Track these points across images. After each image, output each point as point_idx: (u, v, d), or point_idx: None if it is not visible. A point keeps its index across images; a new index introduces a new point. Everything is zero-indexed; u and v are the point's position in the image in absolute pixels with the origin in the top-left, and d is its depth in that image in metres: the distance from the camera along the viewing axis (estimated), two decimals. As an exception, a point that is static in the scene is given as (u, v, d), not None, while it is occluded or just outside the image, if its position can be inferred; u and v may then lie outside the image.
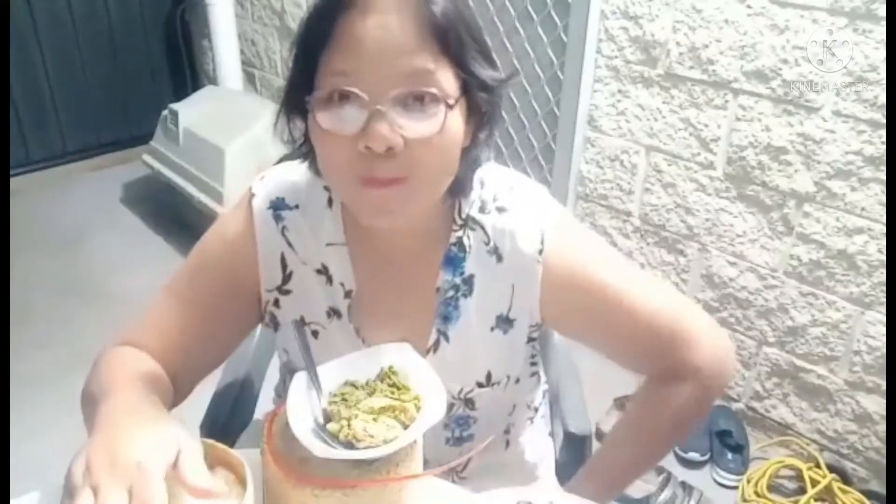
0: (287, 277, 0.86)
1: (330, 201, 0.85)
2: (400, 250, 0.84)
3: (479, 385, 0.87)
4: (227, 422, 1.04)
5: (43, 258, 2.65)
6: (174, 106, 2.72)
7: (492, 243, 0.83)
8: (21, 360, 2.03)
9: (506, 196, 0.84)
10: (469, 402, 0.88)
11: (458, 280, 0.84)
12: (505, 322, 0.86)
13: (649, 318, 0.84)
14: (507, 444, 1.02)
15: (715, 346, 0.86)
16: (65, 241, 2.77)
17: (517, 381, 0.92)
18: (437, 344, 0.86)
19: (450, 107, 0.70)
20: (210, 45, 2.99)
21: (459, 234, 0.83)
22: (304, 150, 0.79)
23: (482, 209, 0.83)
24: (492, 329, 0.86)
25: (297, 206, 0.85)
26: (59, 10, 3.01)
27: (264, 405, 1.11)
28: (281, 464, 0.67)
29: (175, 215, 2.81)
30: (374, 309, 0.86)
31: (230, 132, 2.48)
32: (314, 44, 0.70)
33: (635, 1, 1.77)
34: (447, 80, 0.70)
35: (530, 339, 0.90)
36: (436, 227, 0.83)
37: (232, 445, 0.98)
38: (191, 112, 2.68)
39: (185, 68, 3.38)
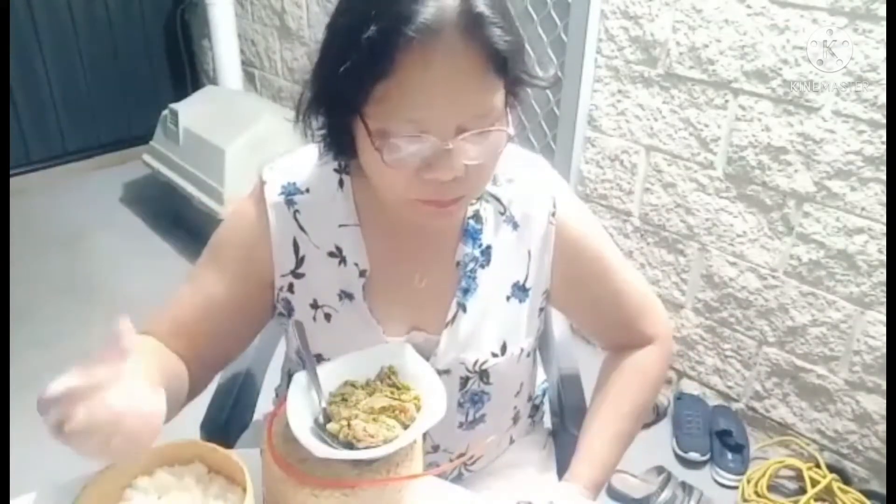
0: (300, 261, 0.86)
1: (341, 183, 0.85)
2: (415, 228, 0.84)
3: (494, 355, 0.88)
4: (227, 422, 1.04)
5: (43, 258, 2.65)
6: (174, 106, 2.72)
7: (507, 212, 0.87)
8: (21, 359, 2.03)
9: (513, 167, 0.88)
10: (484, 375, 0.89)
11: (476, 252, 0.86)
12: (521, 290, 0.88)
13: (628, 288, 0.93)
14: (511, 439, 1.02)
15: (665, 314, 0.99)
16: (65, 241, 2.77)
17: (528, 354, 0.93)
18: (455, 317, 0.86)
19: (510, 137, 0.72)
20: (210, 45, 2.99)
21: (476, 206, 0.86)
22: (328, 144, 0.79)
23: (494, 181, 0.87)
24: (507, 298, 0.88)
25: (307, 190, 0.85)
26: (59, 11, 3.01)
27: (264, 406, 1.11)
28: (281, 464, 0.67)
29: (175, 215, 2.81)
30: (388, 288, 0.87)
31: (230, 132, 2.49)
32: (371, 69, 0.66)
33: (635, 1, 1.77)
34: (500, 99, 0.71)
35: (541, 310, 0.92)
36: None
37: (232, 446, 0.99)
38: (191, 112, 2.68)
39: (185, 68, 3.38)
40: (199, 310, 0.87)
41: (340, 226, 0.85)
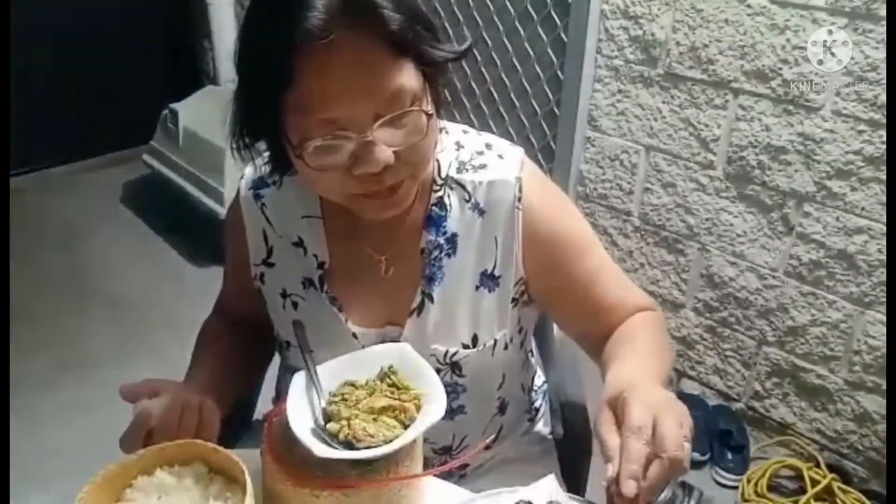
0: (269, 251, 0.91)
1: None
2: (379, 220, 0.85)
3: (465, 347, 0.87)
4: (226, 422, 1.04)
5: (43, 258, 2.65)
6: (174, 106, 2.72)
7: (473, 199, 0.85)
8: (21, 359, 2.03)
9: (483, 154, 0.87)
10: (456, 367, 0.88)
11: (441, 240, 0.86)
12: (490, 279, 0.87)
13: (606, 269, 0.90)
14: (501, 427, 1.01)
15: (644, 294, 0.94)
16: (65, 241, 2.77)
17: (505, 347, 0.91)
18: (421, 306, 0.86)
19: (429, 115, 0.72)
20: (210, 45, 2.99)
21: (440, 193, 0.85)
22: (273, 163, 0.82)
23: (460, 169, 0.86)
24: (477, 288, 0.87)
25: (274, 183, 0.90)
26: (59, 10, 3.01)
27: (264, 405, 1.11)
28: (281, 464, 0.67)
29: (175, 215, 2.81)
30: (351, 278, 0.88)
31: (230, 132, 2.48)
32: (274, 82, 0.68)
33: (635, 1, 1.77)
34: (412, 78, 0.71)
35: (515, 300, 0.89)
36: (417, 191, 0.85)
37: (232, 446, 0.98)
38: (191, 112, 2.68)
39: (185, 68, 3.38)
40: (232, 294, 1.01)
41: (304, 217, 0.88)
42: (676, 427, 0.63)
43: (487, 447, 0.98)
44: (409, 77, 0.70)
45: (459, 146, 0.87)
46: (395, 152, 0.70)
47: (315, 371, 0.75)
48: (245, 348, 0.98)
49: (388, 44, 0.68)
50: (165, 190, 2.76)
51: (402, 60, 0.69)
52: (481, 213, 0.85)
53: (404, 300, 0.87)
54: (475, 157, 0.86)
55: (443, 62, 0.74)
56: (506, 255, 0.86)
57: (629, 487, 0.59)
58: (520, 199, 0.84)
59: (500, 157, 0.87)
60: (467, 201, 0.85)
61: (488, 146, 0.88)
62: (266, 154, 0.82)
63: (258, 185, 0.90)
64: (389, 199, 0.75)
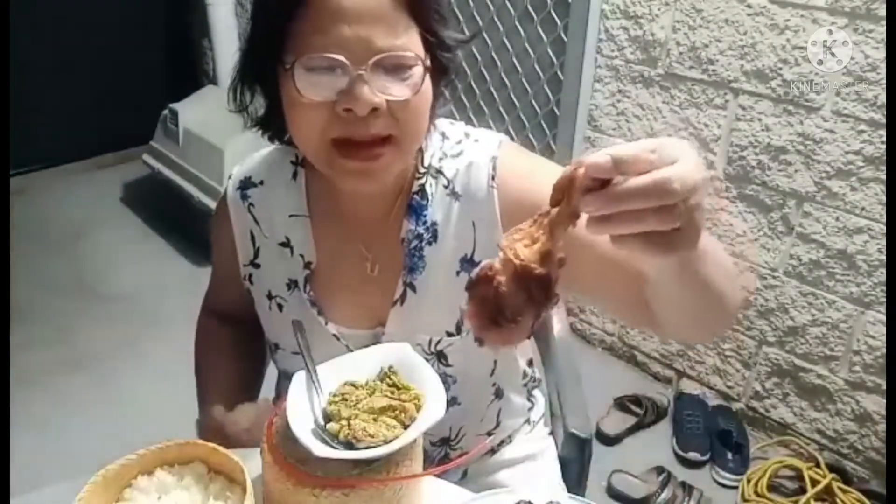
0: (256, 252, 0.91)
1: (295, 175, 0.88)
2: (366, 216, 0.86)
3: (449, 334, 0.87)
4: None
5: (43, 258, 2.65)
6: (174, 106, 2.72)
7: (450, 185, 0.85)
8: (21, 358, 2.03)
9: (461, 143, 0.87)
10: (442, 357, 0.88)
11: (421, 229, 0.85)
12: (470, 264, 0.85)
13: None
14: (499, 414, 1.00)
15: None
16: (65, 240, 2.77)
17: None
18: (403, 296, 0.86)
19: (426, 69, 0.72)
20: (210, 45, 2.99)
21: (422, 181, 0.85)
22: (265, 120, 0.81)
23: (442, 158, 0.86)
24: (458, 273, 0.86)
25: (262, 183, 0.90)
26: (59, 10, 3.01)
27: (264, 405, 1.11)
28: (281, 464, 0.67)
29: (175, 215, 2.81)
30: (333, 279, 0.88)
31: (230, 132, 2.49)
32: (282, 11, 0.70)
33: (635, 1, 1.77)
34: (416, 43, 0.72)
35: None
36: (401, 184, 0.85)
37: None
38: (191, 112, 2.68)
39: (185, 68, 3.38)
40: (222, 293, 1.00)
41: (291, 216, 0.88)
42: (673, 154, 0.52)
43: (490, 435, 0.98)
44: (412, 38, 0.71)
45: (444, 137, 0.87)
46: (387, 102, 0.70)
47: (315, 371, 0.75)
48: (245, 354, 0.98)
49: (400, 3, 0.70)
50: (165, 190, 2.76)
51: (410, 22, 0.71)
52: (457, 197, 0.85)
53: (384, 291, 0.86)
54: (454, 147, 0.86)
55: (448, 43, 0.75)
56: (485, 239, 0.85)
57: (599, 156, 0.51)
58: (493, 178, 0.83)
59: (476, 141, 0.86)
60: (446, 187, 0.85)
61: (467, 135, 0.88)
62: (260, 115, 0.81)
63: (245, 185, 0.90)
64: (367, 158, 0.73)
